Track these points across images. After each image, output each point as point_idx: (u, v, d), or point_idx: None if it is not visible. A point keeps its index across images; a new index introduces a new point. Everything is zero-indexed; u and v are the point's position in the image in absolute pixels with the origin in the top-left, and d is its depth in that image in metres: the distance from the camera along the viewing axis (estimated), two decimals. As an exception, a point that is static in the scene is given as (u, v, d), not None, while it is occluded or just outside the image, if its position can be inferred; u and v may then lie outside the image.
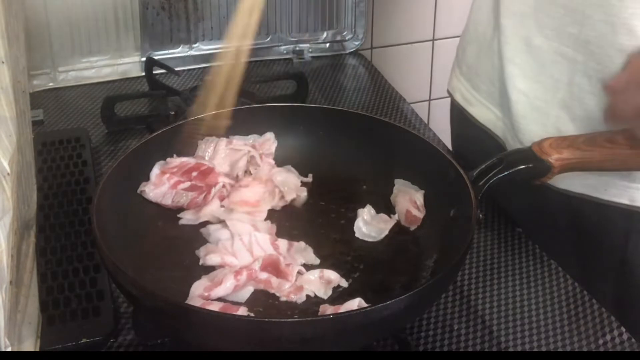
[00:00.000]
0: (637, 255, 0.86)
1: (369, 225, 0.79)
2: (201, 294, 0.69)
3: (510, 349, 0.74)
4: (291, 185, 0.83)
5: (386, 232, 0.79)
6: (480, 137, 0.97)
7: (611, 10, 0.76)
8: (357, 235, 0.79)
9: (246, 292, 0.70)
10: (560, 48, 0.82)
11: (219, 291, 0.69)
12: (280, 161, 0.87)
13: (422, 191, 0.80)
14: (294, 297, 0.70)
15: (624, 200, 0.84)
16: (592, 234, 0.89)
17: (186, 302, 0.68)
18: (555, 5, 0.81)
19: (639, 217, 0.84)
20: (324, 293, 0.71)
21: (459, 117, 1.03)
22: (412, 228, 0.79)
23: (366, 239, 0.79)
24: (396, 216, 0.80)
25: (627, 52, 0.76)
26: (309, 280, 0.72)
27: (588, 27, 0.79)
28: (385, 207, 0.82)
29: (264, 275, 0.71)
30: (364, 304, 0.67)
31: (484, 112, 0.96)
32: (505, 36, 0.88)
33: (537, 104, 0.86)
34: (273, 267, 0.72)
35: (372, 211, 0.80)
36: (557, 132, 0.77)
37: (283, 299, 0.70)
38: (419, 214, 0.79)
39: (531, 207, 0.92)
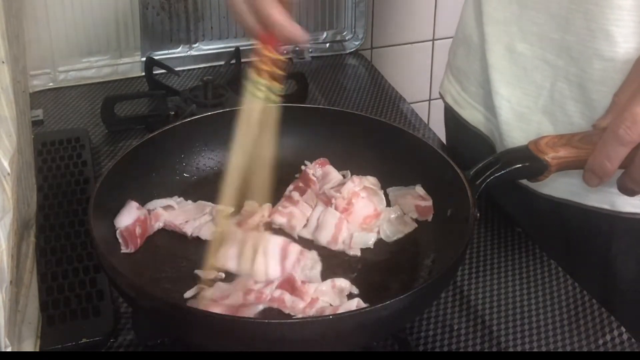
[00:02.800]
0: (621, 258, 0.87)
1: (389, 223, 0.79)
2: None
3: (510, 349, 0.74)
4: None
5: (401, 235, 0.78)
6: (472, 139, 0.97)
7: (591, 17, 0.77)
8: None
9: (254, 309, 0.69)
10: (543, 54, 0.83)
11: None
12: (280, 161, 0.86)
13: (418, 184, 0.80)
14: (309, 312, 0.69)
15: (605, 205, 0.84)
16: (578, 236, 0.89)
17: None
18: (538, 12, 0.82)
19: (621, 221, 0.84)
20: (339, 301, 0.70)
21: (451, 119, 1.03)
22: (430, 219, 0.79)
23: (380, 235, 0.79)
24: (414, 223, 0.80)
25: (605, 57, 0.77)
26: (322, 291, 0.70)
27: (570, 33, 0.79)
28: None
29: (277, 293, 0.69)
30: (363, 304, 0.67)
31: (473, 114, 0.97)
32: (489, 43, 0.88)
33: (520, 110, 0.87)
34: (289, 284, 0.70)
35: (400, 212, 0.80)
36: None
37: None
38: (428, 202, 0.79)
39: (522, 208, 0.92)
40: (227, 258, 0.72)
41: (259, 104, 0.67)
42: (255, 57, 0.66)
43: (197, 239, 0.77)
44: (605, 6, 0.75)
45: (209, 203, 0.80)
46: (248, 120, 0.67)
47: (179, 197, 0.81)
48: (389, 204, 0.82)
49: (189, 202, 0.81)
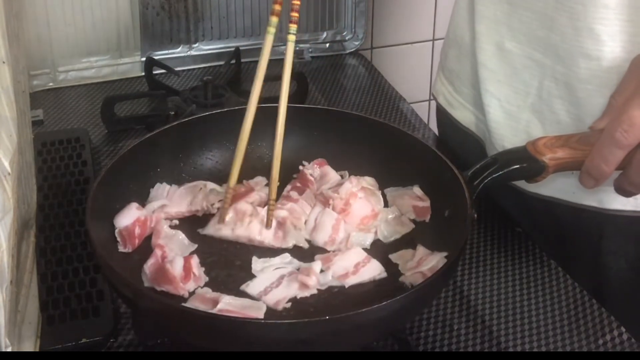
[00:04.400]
0: (612, 258, 0.87)
1: (387, 224, 0.79)
2: None
3: (510, 349, 0.74)
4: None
5: (398, 236, 0.78)
6: (464, 139, 0.98)
7: (576, 15, 0.77)
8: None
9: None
10: (531, 52, 0.83)
11: None
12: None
13: (416, 185, 0.81)
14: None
15: (593, 202, 0.84)
16: (570, 235, 0.90)
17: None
18: (526, 10, 0.82)
19: (610, 220, 0.85)
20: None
21: (443, 119, 1.04)
22: (427, 219, 0.79)
23: (377, 236, 0.79)
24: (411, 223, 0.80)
25: (591, 56, 0.77)
26: None
27: (555, 31, 0.79)
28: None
29: None
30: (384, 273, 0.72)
31: (465, 115, 0.97)
32: (479, 41, 0.89)
33: (509, 108, 0.87)
34: None
35: (397, 212, 0.80)
36: (527, 137, 0.77)
37: None
38: (425, 203, 0.79)
39: (518, 207, 0.92)
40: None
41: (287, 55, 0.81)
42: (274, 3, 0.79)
43: (199, 239, 0.77)
44: (590, 5, 0.75)
45: (200, 181, 0.82)
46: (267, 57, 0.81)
47: (160, 183, 0.81)
48: (386, 205, 0.82)
49: (174, 186, 0.81)
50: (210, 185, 0.82)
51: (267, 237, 0.76)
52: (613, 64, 0.75)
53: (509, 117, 0.87)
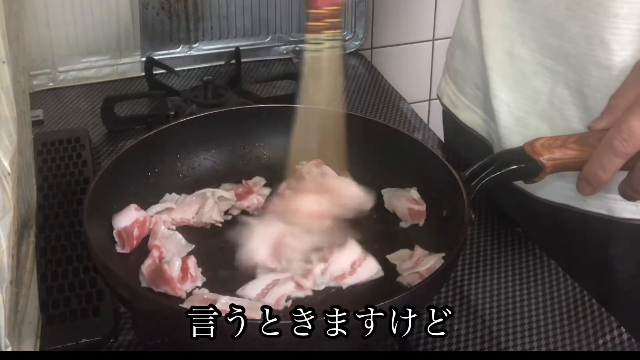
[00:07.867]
0: (618, 260, 0.87)
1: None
2: None
3: (510, 349, 0.74)
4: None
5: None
6: (469, 140, 0.97)
7: (587, 24, 0.77)
8: None
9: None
10: (542, 59, 0.83)
11: None
12: (275, 162, 0.86)
13: (414, 187, 0.80)
14: None
15: (602, 210, 0.84)
16: (575, 238, 0.90)
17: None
18: (538, 18, 0.82)
19: (618, 226, 0.84)
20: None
21: (449, 120, 1.03)
22: (421, 223, 0.79)
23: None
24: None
25: (601, 65, 0.77)
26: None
27: (567, 39, 0.79)
28: (377, 209, 0.82)
29: None
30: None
31: (470, 116, 0.97)
32: (487, 45, 0.88)
33: (518, 114, 0.87)
34: None
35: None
36: None
37: None
38: (421, 207, 0.79)
39: (521, 210, 0.92)
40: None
41: (324, 53, 0.75)
42: (310, 21, 0.74)
43: (195, 239, 0.77)
44: (601, 14, 0.75)
45: (208, 189, 0.81)
46: (315, 73, 0.76)
47: (170, 193, 0.81)
48: (384, 205, 0.82)
49: (183, 195, 0.81)
50: (218, 192, 0.81)
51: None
52: (623, 72, 0.75)
53: (519, 122, 0.87)
